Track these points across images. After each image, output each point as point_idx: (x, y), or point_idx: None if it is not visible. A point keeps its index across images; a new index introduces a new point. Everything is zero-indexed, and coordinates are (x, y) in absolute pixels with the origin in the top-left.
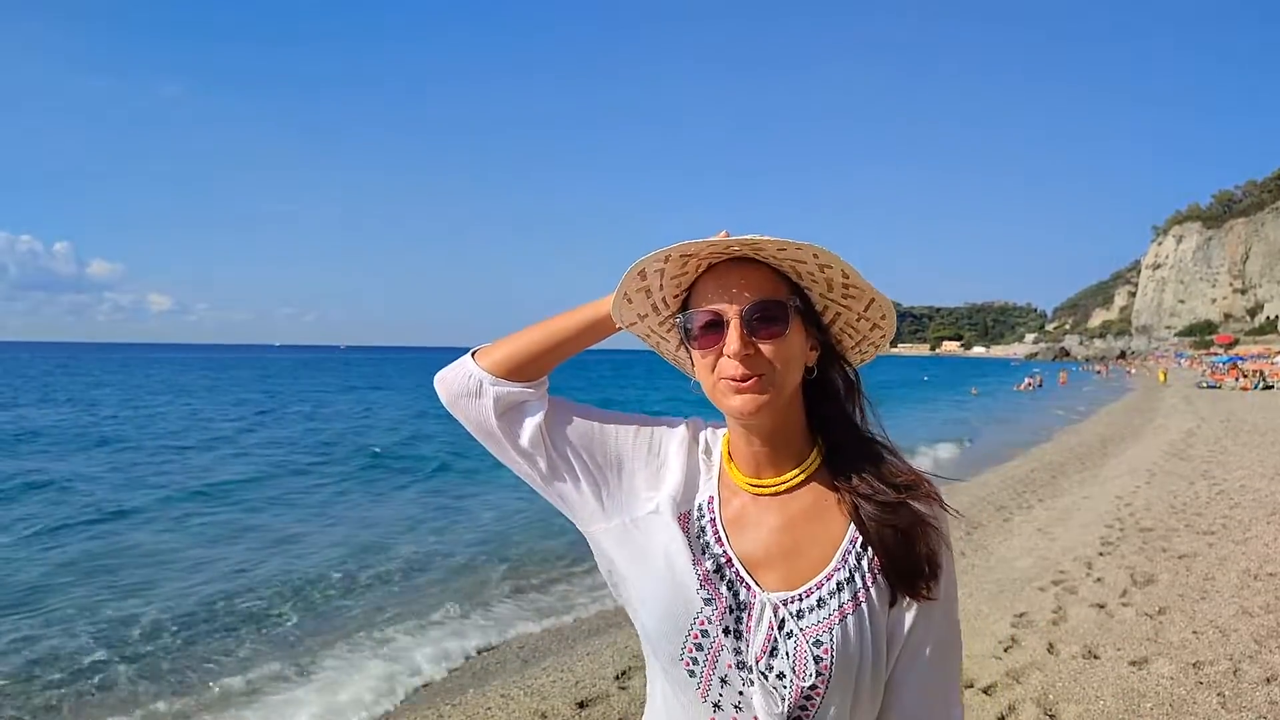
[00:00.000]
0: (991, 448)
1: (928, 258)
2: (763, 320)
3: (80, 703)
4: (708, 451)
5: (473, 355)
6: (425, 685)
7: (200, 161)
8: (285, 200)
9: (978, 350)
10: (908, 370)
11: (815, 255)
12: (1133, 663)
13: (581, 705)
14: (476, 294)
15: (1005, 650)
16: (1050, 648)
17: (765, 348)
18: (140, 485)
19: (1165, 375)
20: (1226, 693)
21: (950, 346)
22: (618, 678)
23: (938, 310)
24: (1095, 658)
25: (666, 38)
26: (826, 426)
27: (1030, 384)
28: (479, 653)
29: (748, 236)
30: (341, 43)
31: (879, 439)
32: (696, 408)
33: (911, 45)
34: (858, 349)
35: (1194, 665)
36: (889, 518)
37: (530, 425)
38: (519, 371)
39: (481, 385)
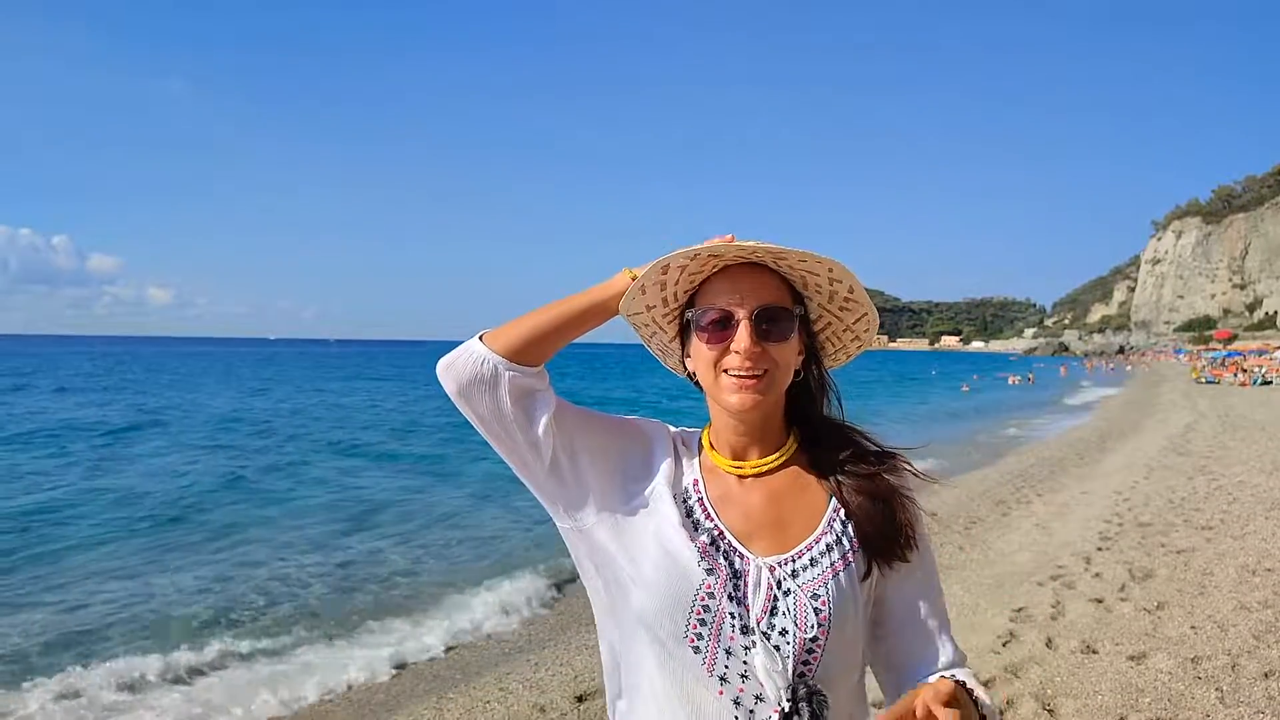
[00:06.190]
0: (988, 443)
1: (927, 253)
2: (771, 324)
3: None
4: (685, 444)
5: (480, 339)
6: (424, 679)
7: (200, 157)
8: (285, 196)
9: (976, 345)
10: (912, 366)
11: (830, 270)
12: (1131, 658)
13: (580, 699)
14: (475, 291)
15: (1003, 645)
16: (1049, 643)
17: (770, 349)
18: None
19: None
20: (1225, 687)
21: (949, 341)
22: None
23: (936, 305)
24: (1094, 653)
25: (662, 40)
26: (802, 420)
27: (1021, 379)
28: (478, 646)
29: (774, 245)
30: (341, 44)
31: (850, 424)
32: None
33: (911, 42)
34: (833, 356)
35: (1192, 660)
36: (866, 486)
37: (542, 414)
38: (528, 354)
39: (496, 370)
